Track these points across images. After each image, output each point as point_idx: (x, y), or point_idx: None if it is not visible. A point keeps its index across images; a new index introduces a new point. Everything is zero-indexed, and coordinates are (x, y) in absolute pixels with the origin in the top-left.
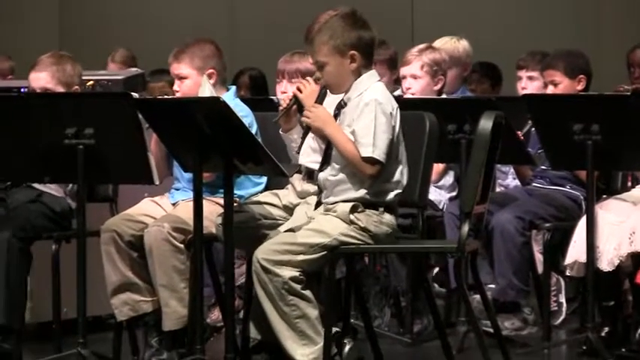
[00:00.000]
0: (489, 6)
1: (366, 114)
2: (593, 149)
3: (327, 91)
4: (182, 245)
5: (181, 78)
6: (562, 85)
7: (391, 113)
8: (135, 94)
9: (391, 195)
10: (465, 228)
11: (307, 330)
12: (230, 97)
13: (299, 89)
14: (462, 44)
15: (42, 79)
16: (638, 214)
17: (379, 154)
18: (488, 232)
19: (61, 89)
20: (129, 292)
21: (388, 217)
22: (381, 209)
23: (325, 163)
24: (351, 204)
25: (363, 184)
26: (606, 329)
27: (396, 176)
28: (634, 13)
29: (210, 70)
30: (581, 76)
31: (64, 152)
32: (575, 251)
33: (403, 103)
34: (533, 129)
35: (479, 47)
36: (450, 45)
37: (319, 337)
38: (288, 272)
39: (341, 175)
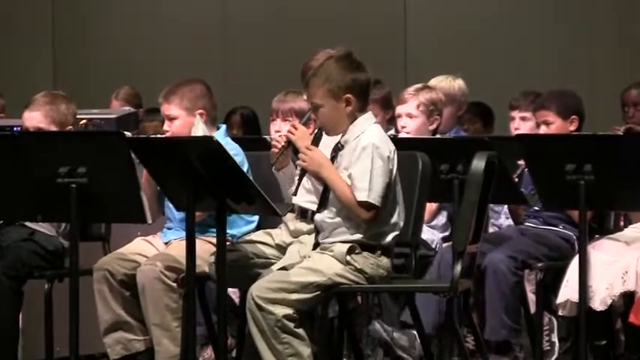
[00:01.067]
0: (482, 45)
1: (363, 158)
2: (586, 189)
3: (323, 132)
4: (175, 284)
5: (171, 119)
6: (554, 125)
7: (388, 157)
8: (128, 133)
9: (389, 238)
10: (458, 267)
11: None
12: (221, 136)
13: (291, 132)
14: (457, 83)
15: (35, 118)
16: (631, 254)
17: (375, 198)
18: (481, 272)
19: (54, 129)
20: (121, 331)
21: (385, 261)
22: (379, 252)
23: (322, 205)
24: (348, 245)
25: (360, 227)
26: None
27: (394, 218)
28: (627, 53)
29: (200, 110)
30: (574, 116)
31: (56, 191)
32: (568, 290)
33: (396, 142)
34: (526, 169)
35: (471, 87)
36: (446, 84)
37: None
38: (281, 310)
39: (338, 219)
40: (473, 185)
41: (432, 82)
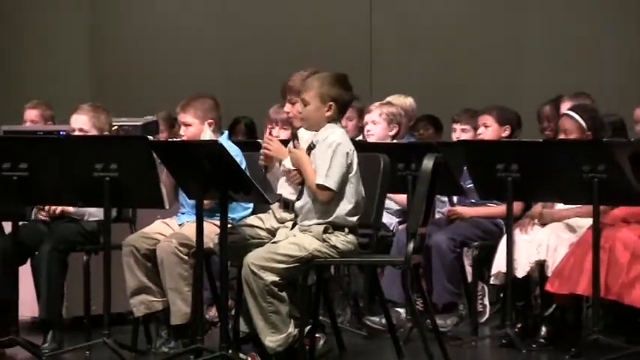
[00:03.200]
0: (430, 69)
1: (327, 152)
2: (513, 184)
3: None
4: (187, 257)
5: (186, 125)
6: (491, 128)
7: (347, 153)
8: (150, 137)
9: (354, 219)
10: (411, 245)
11: (277, 322)
12: (224, 140)
13: (267, 149)
14: (408, 100)
15: (81, 120)
16: (544, 231)
17: (330, 182)
18: (427, 249)
19: (94, 132)
20: (144, 294)
21: (351, 237)
22: (347, 231)
23: (300, 195)
24: (323, 226)
25: (329, 211)
26: (519, 325)
27: (358, 205)
28: (559, 62)
29: (210, 120)
30: (508, 126)
31: (93, 182)
32: (498, 264)
33: (364, 145)
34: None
35: (423, 103)
36: (399, 101)
37: (285, 328)
38: (270, 277)
39: (310, 205)
40: (423, 180)
41: (389, 98)
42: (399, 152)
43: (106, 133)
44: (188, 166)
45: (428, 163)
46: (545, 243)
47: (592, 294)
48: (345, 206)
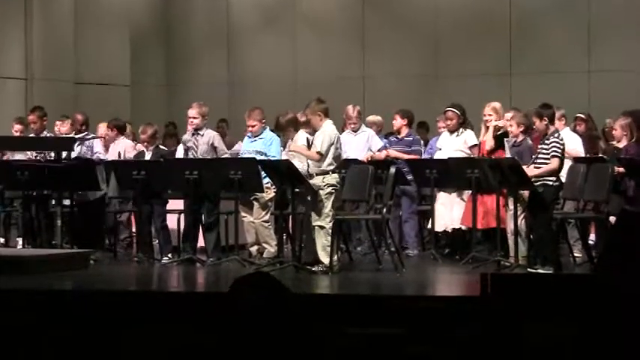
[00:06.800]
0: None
1: (320, 135)
2: (434, 180)
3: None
4: (268, 224)
5: (252, 126)
6: (398, 121)
7: (330, 135)
8: (258, 157)
9: (334, 166)
10: (384, 210)
11: (328, 254)
12: (270, 132)
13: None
14: (377, 118)
15: (192, 113)
16: (455, 207)
17: (322, 149)
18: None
19: (200, 118)
20: (256, 245)
21: (335, 175)
22: (334, 174)
23: (308, 165)
24: (322, 176)
25: (321, 166)
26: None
27: (337, 159)
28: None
29: (263, 122)
30: (406, 118)
31: (229, 180)
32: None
33: (369, 162)
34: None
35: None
36: (373, 117)
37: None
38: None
39: (313, 168)
40: (390, 178)
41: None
42: (377, 164)
43: (206, 117)
44: (275, 171)
45: (392, 170)
46: (457, 215)
47: (471, 227)
48: (329, 160)
